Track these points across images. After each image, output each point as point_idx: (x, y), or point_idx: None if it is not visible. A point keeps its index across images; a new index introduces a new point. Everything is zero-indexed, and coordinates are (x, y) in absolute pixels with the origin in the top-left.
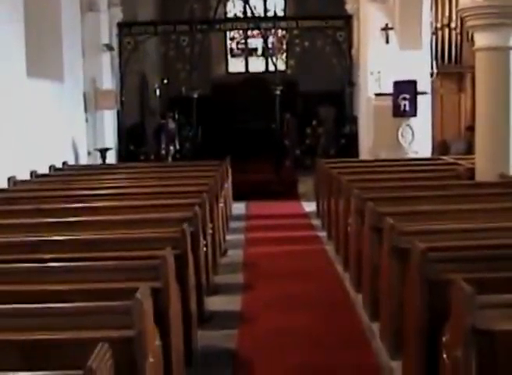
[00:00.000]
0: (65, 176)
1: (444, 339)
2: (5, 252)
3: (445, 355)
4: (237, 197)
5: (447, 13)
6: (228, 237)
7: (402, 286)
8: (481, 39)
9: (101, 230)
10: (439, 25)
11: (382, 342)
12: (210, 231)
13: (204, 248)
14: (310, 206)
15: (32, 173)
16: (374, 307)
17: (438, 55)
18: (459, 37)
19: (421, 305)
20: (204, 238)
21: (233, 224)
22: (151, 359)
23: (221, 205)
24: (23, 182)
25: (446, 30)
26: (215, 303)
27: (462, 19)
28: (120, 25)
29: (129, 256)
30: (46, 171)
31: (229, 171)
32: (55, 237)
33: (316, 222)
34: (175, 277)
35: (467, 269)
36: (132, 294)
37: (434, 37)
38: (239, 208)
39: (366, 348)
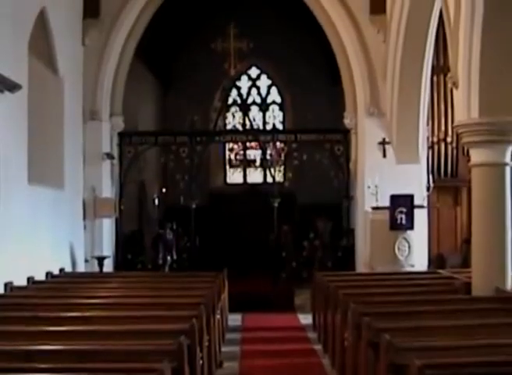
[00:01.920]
0: (61, 283)
1: None
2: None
3: None
4: (234, 308)
5: (443, 128)
6: (224, 349)
7: None
8: (476, 155)
9: (97, 340)
10: (435, 139)
11: None
12: (206, 343)
13: (201, 361)
14: (306, 319)
15: (29, 279)
16: None
17: (434, 169)
18: (455, 152)
19: None
20: (201, 351)
21: (229, 336)
22: None
23: (217, 316)
24: (20, 288)
25: (443, 145)
26: None
27: (458, 135)
28: (121, 134)
29: (125, 368)
30: (43, 277)
31: (226, 282)
32: (49, 347)
33: (312, 335)
34: None
35: None
36: None
37: (430, 151)
38: (235, 319)
39: None
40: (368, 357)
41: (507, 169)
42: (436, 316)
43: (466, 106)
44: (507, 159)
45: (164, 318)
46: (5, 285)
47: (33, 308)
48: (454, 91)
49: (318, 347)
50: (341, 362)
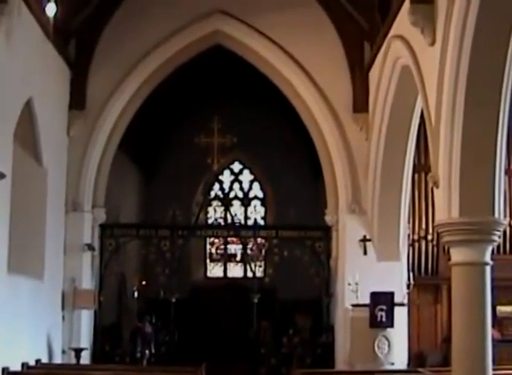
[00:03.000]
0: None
1: None
2: None
3: None
4: None
5: (424, 226)
6: None
7: None
8: (457, 254)
9: None
10: (416, 237)
11: None
12: None
13: None
14: None
15: (4, 370)
16: None
17: (415, 267)
18: (435, 250)
19: None
20: None
21: None
22: None
23: None
24: None
25: (423, 242)
26: None
27: (438, 234)
28: (103, 226)
29: None
30: (19, 368)
31: None
32: None
33: None
34: None
35: None
36: None
37: (411, 248)
38: None
39: None
40: None
41: (487, 268)
42: None
43: (446, 205)
44: (487, 259)
45: None
46: None
47: None
48: (435, 190)
49: None
50: None
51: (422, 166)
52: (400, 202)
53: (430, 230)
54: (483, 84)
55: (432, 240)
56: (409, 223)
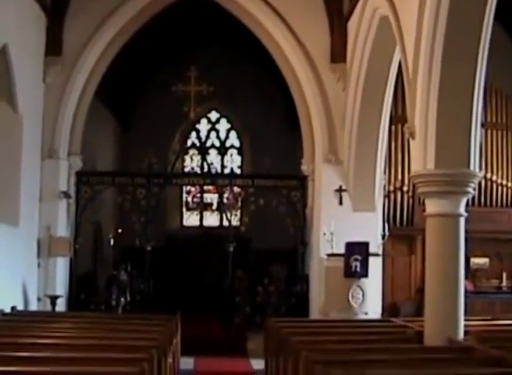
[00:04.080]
0: (12, 321)
1: None
2: None
3: None
4: (186, 351)
5: (400, 177)
6: None
7: None
8: (431, 205)
9: None
10: (391, 188)
11: None
12: None
13: None
14: (259, 364)
15: None
16: None
17: (390, 218)
18: (411, 201)
19: None
20: None
21: None
22: None
23: (169, 360)
24: None
25: (399, 194)
26: None
27: (414, 185)
28: (79, 174)
29: None
30: None
31: (179, 325)
32: None
33: None
34: None
35: None
36: None
37: (387, 199)
38: (187, 363)
39: None
40: None
41: (461, 220)
42: (388, 365)
43: (422, 157)
44: (462, 210)
45: (115, 360)
46: None
47: None
48: (411, 141)
49: None
50: None
51: (399, 118)
52: (376, 153)
53: (406, 182)
54: (461, 35)
55: (408, 191)
56: (385, 174)
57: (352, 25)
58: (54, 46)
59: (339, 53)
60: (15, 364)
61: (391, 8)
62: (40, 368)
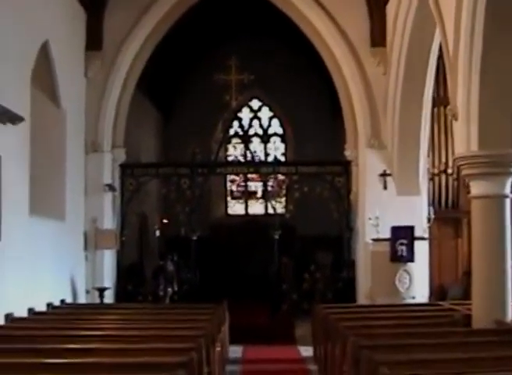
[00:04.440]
0: (62, 314)
1: None
2: None
3: None
4: (234, 340)
5: (444, 160)
6: None
7: None
8: (476, 187)
9: (97, 373)
10: (436, 171)
11: None
12: None
13: None
14: (307, 351)
15: (29, 311)
16: None
17: (435, 201)
18: (455, 183)
19: None
20: None
21: (230, 368)
22: None
23: (217, 349)
24: (21, 320)
25: (443, 176)
26: None
27: (458, 167)
28: (123, 166)
29: None
30: (44, 308)
31: (227, 314)
32: None
33: (313, 367)
34: None
35: None
36: None
37: (431, 182)
38: (235, 351)
39: None
40: None
41: (507, 201)
42: (436, 349)
43: (465, 139)
44: (507, 191)
45: (163, 350)
46: (6, 316)
47: (33, 340)
48: (454, 123)
49: None
50: None
51: (442, 100)
52: (419, 136)
53: (450, 164)
54: (502, 14)
55: (452, 173)
56: (429, 157)
57: (391, 8)
58: (94, 41)
59: (378, 37)
60: (65, 356)
61: None
62: (90, 359)
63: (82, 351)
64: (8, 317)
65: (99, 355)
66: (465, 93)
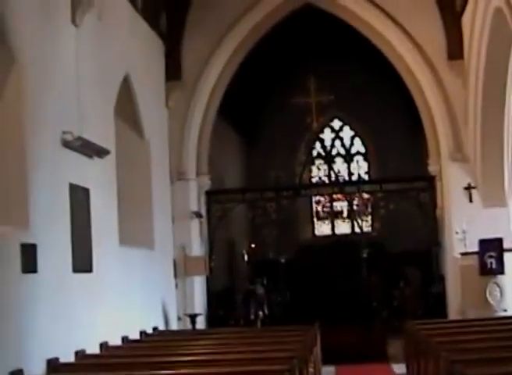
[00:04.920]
0: (155, 341)
1: None
2: None
3: None
4: (326, 360)
5: None
6: None
7: None
8: None
9: None
10: None
11: None
12: None
13: None
14: (400, 369)
15: (123, 339)
16: None
17: None
18: None
19: None
20: None
21: None
22: None
23: (311, 370)
24: (115, 348)
25: None
26: None
27: None
28: (208, 193)
29: None
30: (137, 336)
31: (318, 335)
32: None
33: None
34: None
35: None
36: None
37: None
38: (329, 371)
39: None
40: None
41: None
42: None
43: None
44: None
45: (257, 373)
46: (101, 345)
47: (127, 368)
48: None
49: None
50: None
51: None
52: (502, 147)
53: None
54: None
55: None
56: None
57: (466, 19)
58: (173, 71)
59: (455, 49)
60: None
61: None
62: None
63: None
64: (103, 346)
65: None
66: None
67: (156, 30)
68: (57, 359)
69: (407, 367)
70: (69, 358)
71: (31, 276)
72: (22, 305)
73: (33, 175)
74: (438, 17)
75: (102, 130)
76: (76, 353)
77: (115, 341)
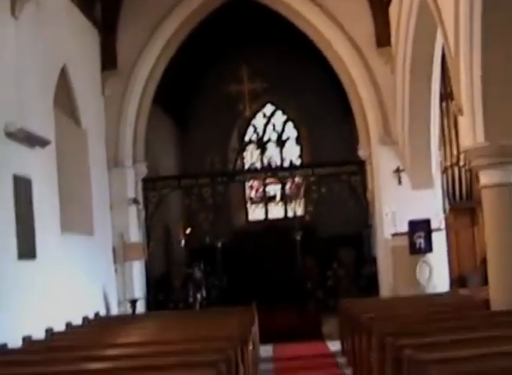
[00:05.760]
0: (96, 326)
1: None
2: None
3: None
4: (264, 340)
5: (455, 152)
6: None
7: None
8: (485, 177)
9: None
10: (448, 163)
11: None
12: (242, 373)
13: None
14: (335, 346)
15: (67, 325)
16: None
17: (449, 193)
18: (468, 174)
19: None
20: None
21: (262, 366)
22: None
23: (250, 348)
24: (59, 333)
25: (456, 168)
26: None
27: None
28: (145, 180)
29: None
30: (80, 322)
31: (256, 315)
32: None
33: (341, 360)
34: None
35: None
36: None
37: (444, 175)
38: (266, 350)
39: None
40: (394, 373)
41: None
42: (456, 332)
43: (471, 131)
44: None
45: (199, 351)
46: (46, 331)
47: (71, 350)
48: (459, 117)
49: (348, 371)
50: None
51: (449, 94)
52: (429, 131)
53: (461, 157)
54: (498, 9)
55: (464, 165)
56: (440, 150)
57: (393, 9)
58: (109, 59)
59: (383, 37)
60: (106, 361)
61: None
62: (132, 363)
63: (122, 357)
64: (48, 332)
65: (138, 359)
66: (468, 87)
67: (91, 19)
68: (5, 345)
69: (342, 344)
70: (17, 343)
71: None
72: None
73: None
74: (366, 7)
75: (42, 121)
76: (23, 339)
77: (60, 326)
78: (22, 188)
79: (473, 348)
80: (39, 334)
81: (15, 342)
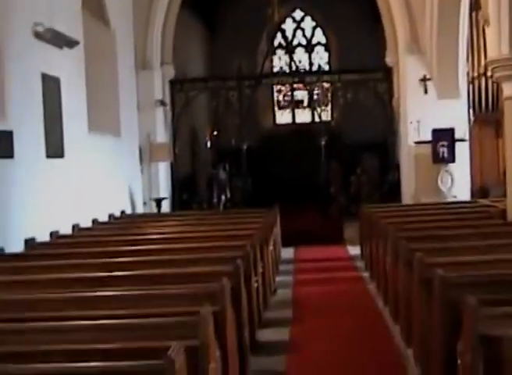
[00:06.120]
0: (123, 223)
1: (458, 347)
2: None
3: (459, 361)
4: (286, 242)
5: (483, 63)
6: (278, 279)
7: (428, 311)
8: (508, 88)
9: (162, 267)
10: (475, 74)
11: (415, 365)
12: (261, 270)
13: (256, 284)
14: (355, 250)
15: (93, 221)
16: (408, 334)
17: (475, 103)
18: (495, 86)
19: (441, 321)
20: (256, 275)
21: (283, 267)
22: None
23: (270, 247)
24: (86, 229)
25: (483, 79)
26: (266, 334)
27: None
28: (172, 82)
29: (191, 287)
30: (106, 219)
31: (278, 217)
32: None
33: (360, 264)
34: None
35: (483, 291)
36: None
37: (471, 85)
38: (288, 252)
39: (402, 371)
40: (405, 276)
41: None
42: (468, 238)
43: (497, 42)
44: None
45: (220, 247)
46: (73, 226)
47: (99, 246)
48: (486, 28)
49: (366, 274)
50: (384, 284)
51: (479, 4)
52: (457, 41)
53: (489, 67)
54: None
55: (492, 76)
56: (468, 60)
57: None
58: None
59: None
60: (131, 255)
61: None
62: (154, 257)
63: (145, 251)
64: (75, 227)
65: (161, 254)
66: None
67: None
68: (34, 239)
69: (361, 248)
70: (45, 238)
71: (8, 161)
72: (0, 189)
73: (7, 66)
74: None
75: (71, 21)
76: (51, 234)
77: (86, 223)
78: (50, 87)
79: (481, 255)
80: (66, 230)
81: (43, 237)
